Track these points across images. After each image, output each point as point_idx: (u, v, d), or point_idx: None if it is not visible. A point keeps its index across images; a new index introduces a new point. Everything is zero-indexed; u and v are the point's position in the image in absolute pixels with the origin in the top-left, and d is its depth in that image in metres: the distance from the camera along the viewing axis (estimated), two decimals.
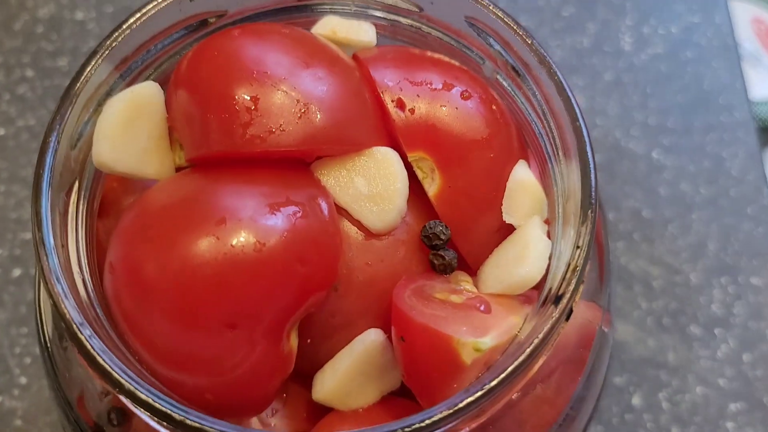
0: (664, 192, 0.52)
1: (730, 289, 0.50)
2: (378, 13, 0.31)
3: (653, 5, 0.58)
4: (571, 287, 0.25)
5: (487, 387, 0.23)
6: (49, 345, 0.30)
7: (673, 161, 0.53)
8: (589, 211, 0.25)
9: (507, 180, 0.29)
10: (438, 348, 0.25)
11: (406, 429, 0.23)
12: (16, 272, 0.49)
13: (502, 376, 0.23)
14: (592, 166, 0.26)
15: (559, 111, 0.28)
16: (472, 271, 0.29)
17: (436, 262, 0.28)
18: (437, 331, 0.25)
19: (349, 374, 0.28)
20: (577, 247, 0.25)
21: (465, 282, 0.28)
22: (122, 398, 0.23)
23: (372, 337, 0.27)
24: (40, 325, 0.30)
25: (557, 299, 0.25)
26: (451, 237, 0.28)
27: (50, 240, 0.25)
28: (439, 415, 0.23)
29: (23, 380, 0.47)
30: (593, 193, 0.26)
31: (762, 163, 0.53)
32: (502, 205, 0.29)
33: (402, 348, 0.26)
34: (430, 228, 0.28)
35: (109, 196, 0.31)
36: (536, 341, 0.24)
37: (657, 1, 0.58)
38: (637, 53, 0.55)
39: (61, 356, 0.29)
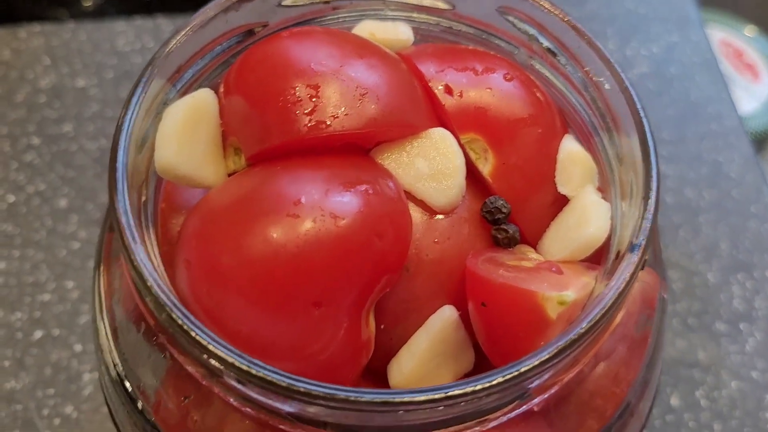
0: (670, 200, 0.53)
1: (747, 284, 0.51)
2: (411, 15, 0.32)
3: (632, 29, 0.61)
4: (646, 234, 0.25)
5: (589, 323, 0.23)
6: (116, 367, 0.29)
7: (674, 170, 0.55)
8: (653, 160, 0.26)
9: (556, 154, 0.30)
10: (522, 306, 0.25)
11: (507, 376, 0.23)
12: (38, 335, 0.49)
13: (597, 315, 0.23)
14: (646, 123, 0.27)
15: (603, 80, 0.29)
16: (532, 245, 0.30)
17: (499, 236, 0.29)
18: (521, 288, 0.25)
19: (427, 355, 0.28)
20: (647, 197, 0.26)
21: (530, 252, 0.29)
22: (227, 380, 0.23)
23: (447, 314, 0.27)
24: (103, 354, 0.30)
25: (633, 247, 0.25)
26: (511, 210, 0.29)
27: (134, 231, 0.25)
28: (542, 358, 0.23)
29: None
30: (652, 141, 0.27)
31: (758, 164, 0.56)
32: (554, 178, 0.30)
33: (484, 315, 0.26)
34: (491, 203, 0.29)
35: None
36: (622, 284, 0.24)
37: (635, 25, 0.61)
38: (625, 73, 0.58)
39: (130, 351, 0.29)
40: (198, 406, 0.28)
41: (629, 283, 0.24)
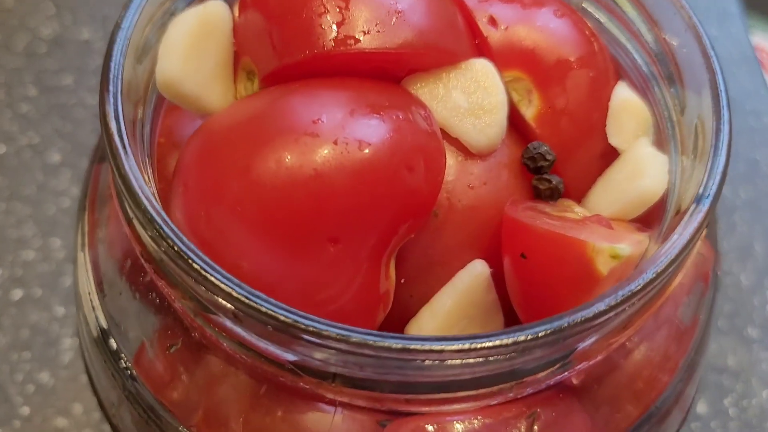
0: None
1: None
2: None
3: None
4: (716, 185, 0.22)
5: (648, 277, 0.20)
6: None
7: None
8: (724, 106, 0.23)
9: (608, 101, 0.27)
10: (569, 258, 0.22)
11: (553, 328, 0.19)
12: (17, 294, 0.45)
13: (659, 268, 0.20)
14: (719, 69, 0.24)
15: (667, 25, 0.26)
16: (575, 200, 0.26)
17: (541, 186, 0.25)
18: (568, 237, 0.22)
19: (451, 316, 0.24)
20: (717, 146, 0.22)
21: (573, 206, 0.26)
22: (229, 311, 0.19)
23: (479, 270, 0.24)
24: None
25: (700, 199, 0.22)
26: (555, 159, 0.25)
27: (125, 139, 0.21)
28: (595, 310, 0.19)
29: (26, 410, 0.42)
30: (723, 87, 0.23)
31: None
32: (605, 128, 0.26)
33: (522, 268, 0.23)
34: (534, 149, 0.25)
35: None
36: (686, 238, 0.21)
37: None
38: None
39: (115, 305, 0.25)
40: (186, 361, 0.25)
41: (693, 239, 0.21)
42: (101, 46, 0.53)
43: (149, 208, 0.20)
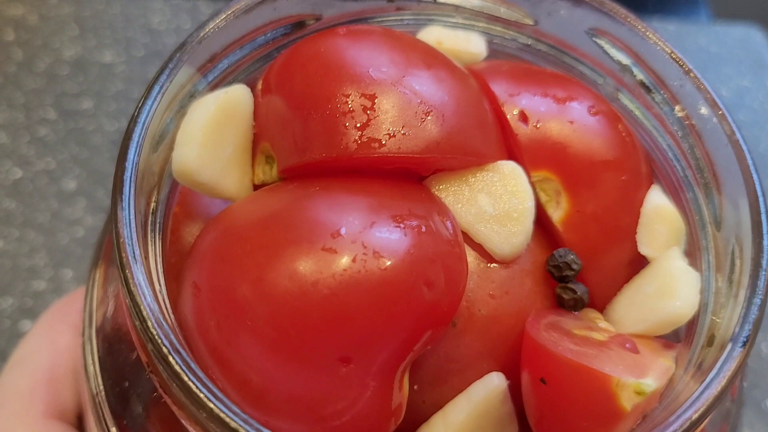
0: None
1: None
2: (486, 26, 0.28)
3: (703, 67, 0.56)
4: (752, 323, 0.21)
5: (686, 425, 0.19)
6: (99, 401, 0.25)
7: None
8: (766, 231, 0.22)
9: (640, 207, 0.25)
10: (591, 390, 0.21)
11: None
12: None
13: (691, 419, 0.19)
14: (758, 186, 0.23)
15: (707, 129, 0.24)
16: (599, 308, 0.25)
17: (565, 296, 0.24)
18: (591, 369, 0.21)
19: (464, 428, 0.23)
20: (756, 276, 0.21)
21: (598, 320, 0.25)
22: None
23: (495, 383, 0.23)
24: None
25: (737, 339, 0.21)
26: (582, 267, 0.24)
27: (135, 248, 0.20)
28: None
29: None
30: (765, 209, 0.22)
31: None
32: (636, 234, 0.25)
33: (542, 392, 0.22)
34: (560, 256, 0.24)
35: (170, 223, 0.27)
36: (722, 383, 0.20)
37: (706, 64, 0.56)
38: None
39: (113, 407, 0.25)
40: None
41: (730, 382, 0.20)
42: (123, 70, 0.53)
43: (158, 335, 0.19)
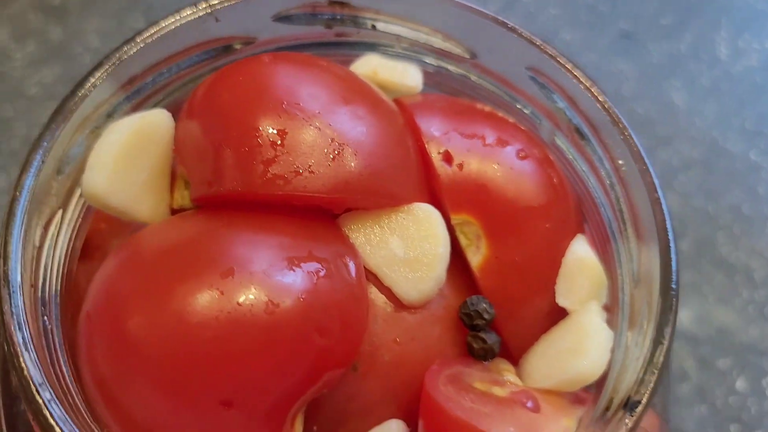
0: (762, 191, 0.50)
1: None
2: (424, 58, 0.27)
3: (748, 21, 0.57)
4: (649, 390, 0.20)
5: None
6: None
7: None
8: (673, 299, 0.21)
9: (563, 256, 0.25)
10: None
11: None
12: None
13: None
14: (673, 246, 0.22)
15: (633, 182, 0.24)
16: (513, 359, 0.25)
17: (475, 345, 0.24)
18: (479, 430, 0.20)
19: None
20: (659, 342, 0.21)
21: (507, 372, 0.24)
22: None
23: (393, 430, 0.23)
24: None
25: (630, 405, 0.20)
26: (494, 317, 0.24)
27: (17, 276, 0.20)
28: None
29: None
30: (675, 278, 0.21)
31: None
32: (555, 285, 0.25)
33: None
34: (473, 304, 0.24)
35: (94, 239, 0.26)
36: None
37: (752, 18, 0.57)
38: (733, 63, 0.55)
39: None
40: None
41: None
42: (20, 125, 0.51)
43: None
